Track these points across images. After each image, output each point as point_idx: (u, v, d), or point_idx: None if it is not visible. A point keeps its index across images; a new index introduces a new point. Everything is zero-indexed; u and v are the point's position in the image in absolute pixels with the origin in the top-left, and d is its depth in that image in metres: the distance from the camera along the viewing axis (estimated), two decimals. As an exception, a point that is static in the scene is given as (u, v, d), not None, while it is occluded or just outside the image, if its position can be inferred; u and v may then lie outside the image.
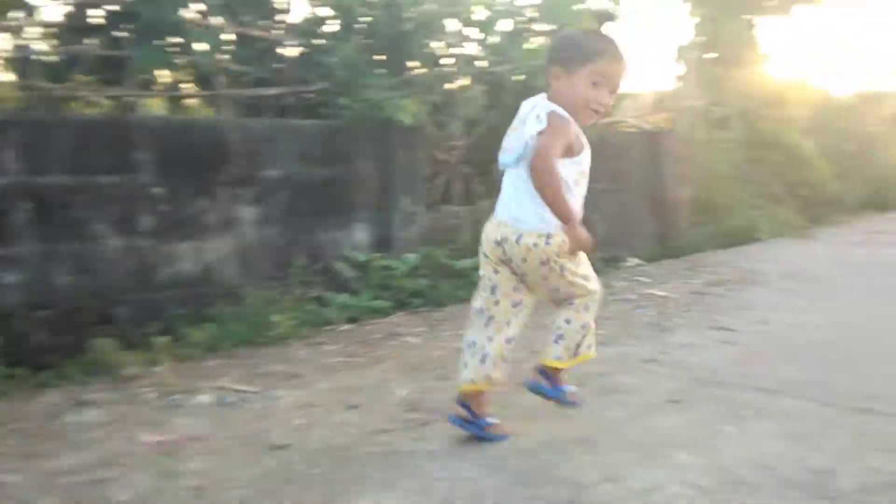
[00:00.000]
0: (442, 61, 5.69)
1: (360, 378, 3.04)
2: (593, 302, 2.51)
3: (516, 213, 2.31)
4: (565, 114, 2.26)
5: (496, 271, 2.39)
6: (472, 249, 5.42)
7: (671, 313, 4.26)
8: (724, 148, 8.55)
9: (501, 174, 2.45)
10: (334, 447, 2.35)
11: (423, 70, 5.29)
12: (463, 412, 2.38)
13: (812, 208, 9.59)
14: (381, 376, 3.07)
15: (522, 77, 5.99)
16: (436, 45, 5.61)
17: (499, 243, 2.33)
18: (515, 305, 2.42)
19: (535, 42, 6.55)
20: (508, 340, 2.41)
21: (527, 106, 2.40)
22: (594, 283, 2.51)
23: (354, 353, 3.39)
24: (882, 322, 4.04)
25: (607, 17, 6.96)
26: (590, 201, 7.40)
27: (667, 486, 2.08)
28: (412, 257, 4.58)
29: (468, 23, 5.85)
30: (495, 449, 2.34)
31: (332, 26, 5.25)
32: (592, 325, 2.51)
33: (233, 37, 5.06)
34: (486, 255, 2.41)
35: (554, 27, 6.85)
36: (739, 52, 9.55)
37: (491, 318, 2.39)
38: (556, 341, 2.46)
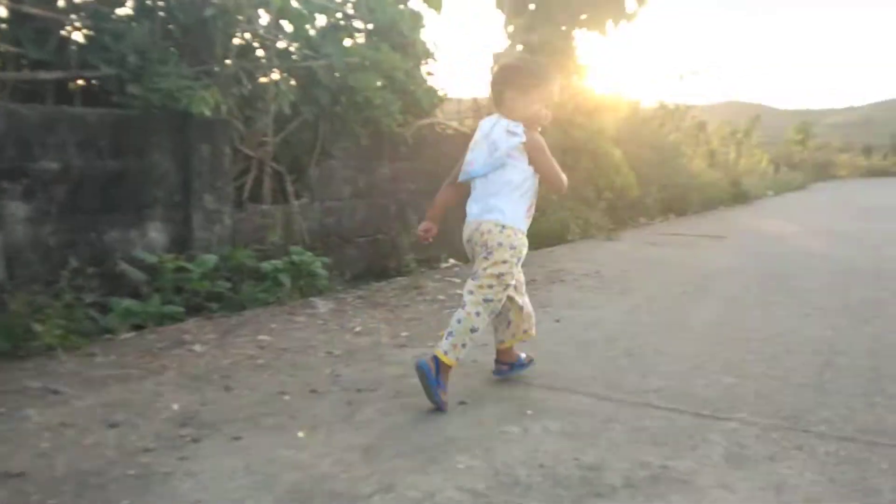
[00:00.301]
0: (252, 53, 5.43)
1: (130, 392, 2.76)
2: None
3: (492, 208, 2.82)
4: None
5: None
6: (282, 249, 5.27)
7: (476, 313, 4.29)
8: (540, 152, 8.87)
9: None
10: (82, 472, 2.08)
11: (228, 61, 4.99)
12: (503, 367, 3.08)
13: (618, 211, 10.26)
14: (155, 389, 2.80)
15: (338, 74, 5.87)
16: (244, 36, 5.35)
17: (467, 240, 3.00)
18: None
19: (352, 39, 6.46)
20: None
21: (488, 124, 2.89)
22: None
23: (130, 365, 3.08)
24: (667, 316, 4.33)
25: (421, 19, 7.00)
26: (408, 201, 7.37)
27: (442, 492, 2.02)
28: (210, 258, 4.29)
29: (281, 15, 5.62)
30: (270, 465, 2.18)
31: (126, 9, 4.83)
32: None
33: (4, 13, 4.50)
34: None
35: (371, 26, 6.81)
36: (554, 61, 9.95)
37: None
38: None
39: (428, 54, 7.53)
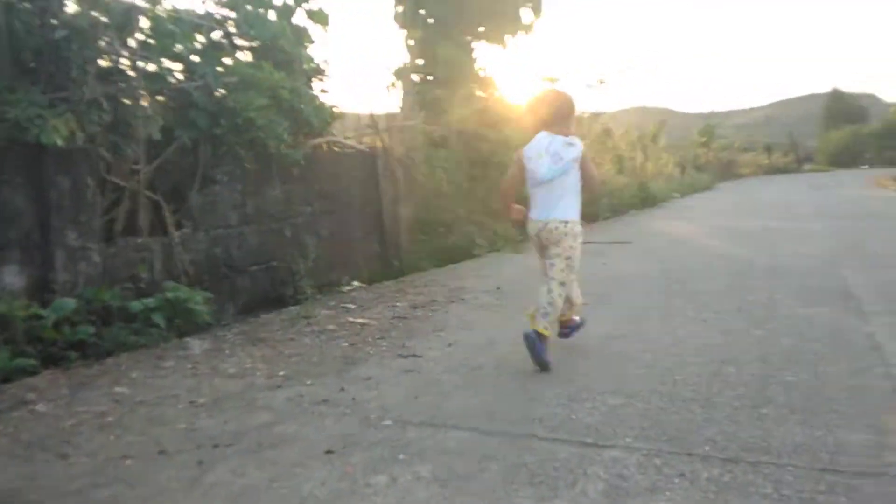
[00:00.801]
0: (115, 76, 5.05)
1: (-57, 470, 2.41)
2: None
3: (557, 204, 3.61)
4: None
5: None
6: (159, 286, 4.90)
7: (365, 343, 4.07)
8: (444, 167, 8.75)
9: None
10: None
11: (87, 85, 4.61)
12: (566, 331, 3.87)
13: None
14: (-26, 463, 2.46)
15: (220, 94, 5.56)
16: (111, 58, 4.98)
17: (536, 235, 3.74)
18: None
19: (231, 58, 6.15)
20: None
21: (545, 140, 3.61)
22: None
23: (-47, 435, 2.72)
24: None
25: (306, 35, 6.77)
26: (303, 224, 6.94)
27: (285, 567, 1.79)
28: (68, 302, 3.91)
29: (151, 35, 5.28)
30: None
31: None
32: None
33: None
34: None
35: (255, 43, 6.52)
36: (457, 74, 9.87)
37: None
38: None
39: (318, 71, 7.29)
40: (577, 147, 3.61)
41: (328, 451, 2.50)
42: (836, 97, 66.56)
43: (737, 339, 3.90)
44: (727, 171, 34.02)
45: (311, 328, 4.43)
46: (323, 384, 3.29)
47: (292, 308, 5.22)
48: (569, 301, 3.73)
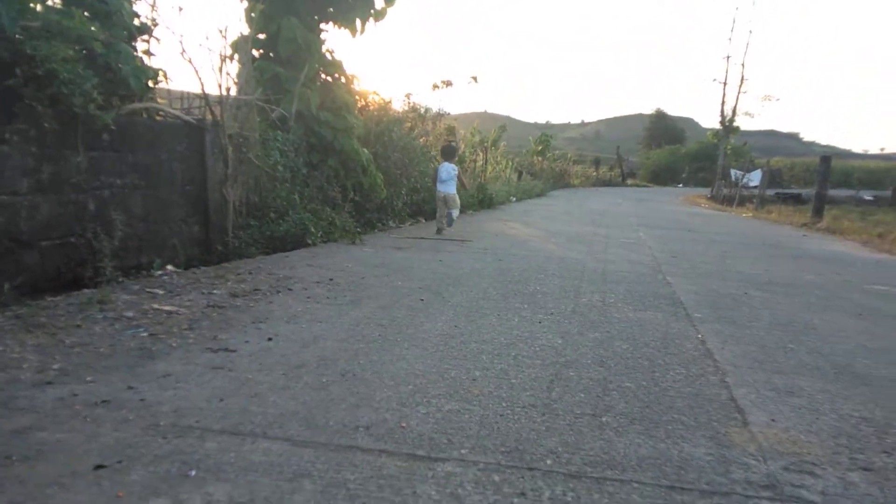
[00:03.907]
0: None
1: None
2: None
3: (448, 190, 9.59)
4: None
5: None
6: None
7: (169, 334, 3.51)
8: (281, 149, 8.17)
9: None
10: None
11: None
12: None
13: (365, 214, 9.87)
14: None
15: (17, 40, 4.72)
16: None
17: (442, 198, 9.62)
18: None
19: (36, 3, 5.28)
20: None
21: (448, 166, 9.69)
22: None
23: None
24: (397, 329, 3.88)
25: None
26: (111, 198, 5.99)
27: None
28: None
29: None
30: None
31: None
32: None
33: None
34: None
35: None
36: (301, 54, 9.28)
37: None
38: None
39: (144, 29, 6.50)
40: (456, 170, 9.64)
41: (98, 467, 2.00)
42: (659, 118, 72.05)
43: (574, 341, 3.78)
44: (560, 180, 35.59)
45: (104, 314, 3.79)
46: (107, 381, 2.74)
47: (87, 291, 4.50)
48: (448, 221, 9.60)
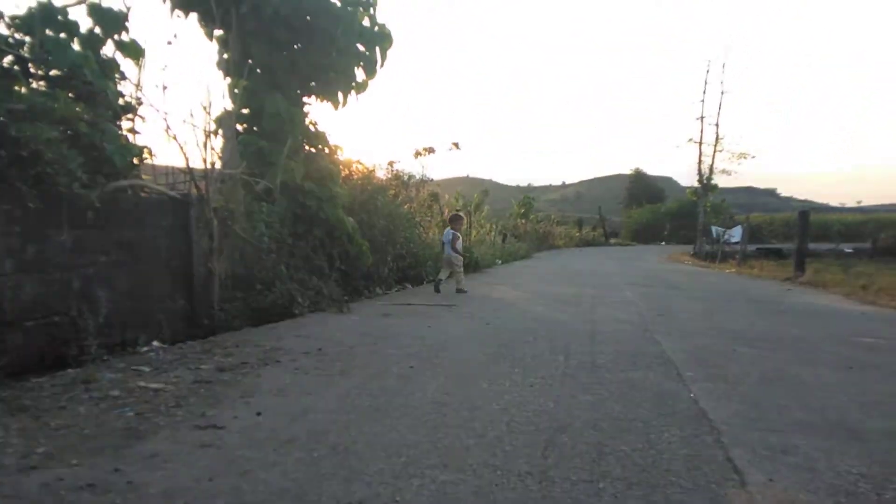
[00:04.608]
0: None
1: None
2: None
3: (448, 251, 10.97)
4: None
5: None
6: None
7: (156, 412, 3.45)
8: (267, 220, 8.22)
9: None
10: None
11: None
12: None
13: (352, 282, 9.87)
14: None
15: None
16: None
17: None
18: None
19: (22, 87, 5.39)
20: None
21: (450, 231, 11.14)
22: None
23: None
24: (388, 399, 3.84)
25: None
26: (96, 276, 5.92)
27: None
28: None
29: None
30: None
31: None
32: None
33: None
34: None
35: (54, 71, 5.81)
36: (285, 127, 9.43)
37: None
38: None
39: (129, 109, 6.60)
40: (451, 234, 10.97)
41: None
42: (638, 178, 73.30)
43: (566, 405, 3.75)
44: (544, 242, 35.87)
45: (89, 395, 3.72)
46: (92, 464, 2.67)
47: (72, 371, 4.44)
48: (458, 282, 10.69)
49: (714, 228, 28.70)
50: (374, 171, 13.74)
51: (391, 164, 16.24)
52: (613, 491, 2.49)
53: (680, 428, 3.32)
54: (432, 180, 19.20)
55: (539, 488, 2.51)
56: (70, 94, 5.88)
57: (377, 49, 9.71)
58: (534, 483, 2.56)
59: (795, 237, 16.75)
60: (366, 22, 9.50)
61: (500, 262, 20.24)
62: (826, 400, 4.03)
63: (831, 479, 2.71)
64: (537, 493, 2.47)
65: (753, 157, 31.19)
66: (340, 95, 10.31)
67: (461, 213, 13.60)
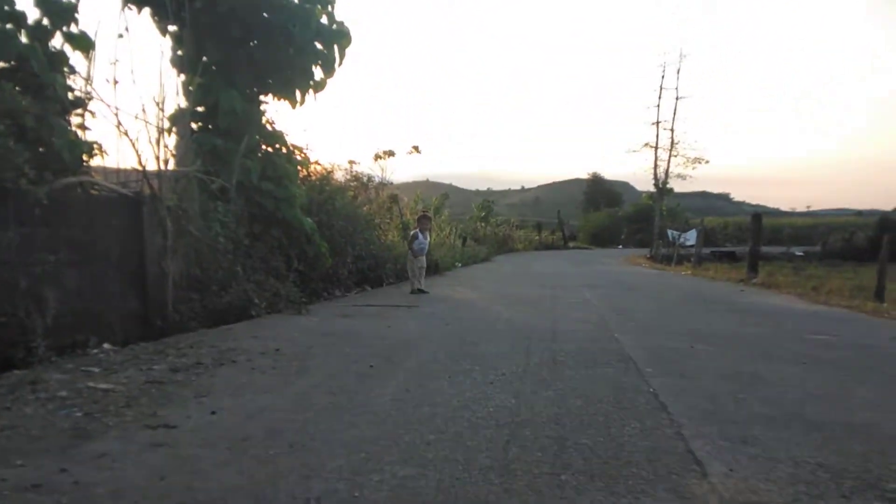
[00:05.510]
0: None
1: None
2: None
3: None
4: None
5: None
6: None
7: (105, 412, 3.32)
8: (222, 220, 8.06)
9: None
10: None
11: None
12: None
13: (310, 283, 9.73)
14: None
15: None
16: None
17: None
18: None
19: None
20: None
21: (422, 235, 11.39)
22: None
23: None
24: (346, 397, 3.76)
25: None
26: (44, 275, 5.75)
27: None
28: None
29: None
30: None
31: None
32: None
33: None
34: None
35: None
36: (241, 126, 9.26)
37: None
38: None
39: (78, 103, 6.41)
40: (414, 233, 11.34)
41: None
42: (596, 182, 74.20)
43: (528, 401, 3.73)
44: (504, 245, 35.99)
45: (36, 395, 3.57)
46: (38, 465, 2.55)
47: (18, 372, 4.26)
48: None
49: (670, 232, 29.19)
50: (332, 171, 13.62)
51: (351, 164, 16.13)
52: (576, 483, 2.46)
53: (640, 421, 3.32)
54: (392, 183, 19.13)
55: (501, 482, 2.47)
56: (16, 87, 5.68)
57: (336, 47, 9.61)
58: (495, 476, 2.52)
59: (749, 240, 17.10)
60: (324, 20, 9.40)
61: (459, 264, 20.25)
62: (783, 394, 4.08)
63: (790, 468, 2.73)
64: (499, 486, 2.43)
65: (707, 161, 31.80)
66: (298, 94, 10.18)
67: (429, 214, 13.55)
